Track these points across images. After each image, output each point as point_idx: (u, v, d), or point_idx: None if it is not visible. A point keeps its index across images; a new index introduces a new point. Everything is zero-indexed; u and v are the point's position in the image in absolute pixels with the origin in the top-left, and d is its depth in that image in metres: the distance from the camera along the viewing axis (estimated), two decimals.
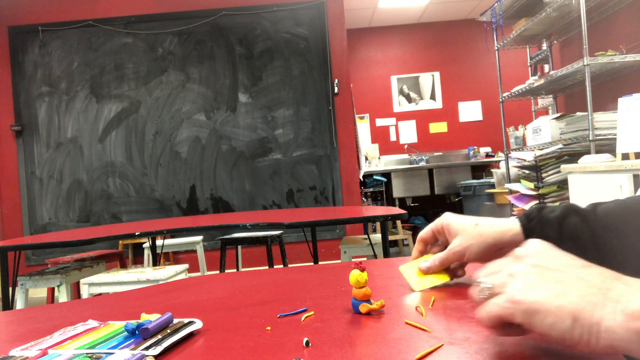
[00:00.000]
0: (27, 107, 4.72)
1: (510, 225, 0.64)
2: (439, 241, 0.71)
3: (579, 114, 3.19)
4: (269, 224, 2.24)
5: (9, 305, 2.60)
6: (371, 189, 6.20)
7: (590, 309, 0.36)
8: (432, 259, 0.67)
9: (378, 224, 3.48)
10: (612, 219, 0.60)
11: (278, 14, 4.75)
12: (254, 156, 4.74)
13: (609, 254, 0.58)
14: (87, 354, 0.50)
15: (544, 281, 0.39)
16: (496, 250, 0.63)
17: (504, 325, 0.41)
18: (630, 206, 0.61)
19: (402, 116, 6.89)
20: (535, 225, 0.63)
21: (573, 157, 3.09)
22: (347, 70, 4.81)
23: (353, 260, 0.62)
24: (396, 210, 2.33)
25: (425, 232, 0.71)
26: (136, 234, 2.36)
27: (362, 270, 0.58)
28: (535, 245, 0.44)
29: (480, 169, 6.28)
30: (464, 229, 0.65)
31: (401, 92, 6.91)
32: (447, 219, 0.68)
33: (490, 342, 0.47)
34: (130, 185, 4.71)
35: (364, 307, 0.58)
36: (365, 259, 3.14)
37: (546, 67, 4.41)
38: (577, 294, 0.37)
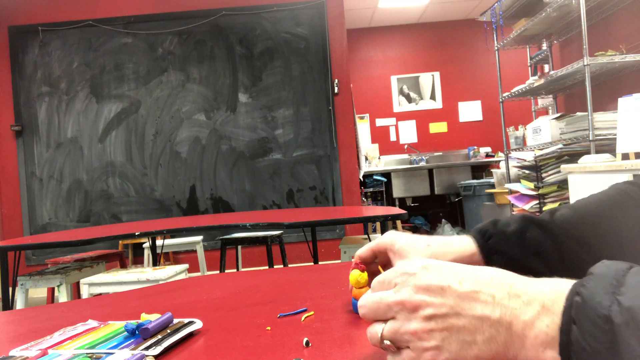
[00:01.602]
0: (27, 107, 4.72)
1: (466, 246, 0.58)
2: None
3: (579, 114, 3.19)
4: (269, 224, 2.24)
5: (9, 305, 2.60)
6: (371, 189, 6.20)
7: (502, 356, 0.36)
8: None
9: (378, 224, 3.48)
10: (573, 227, 0.57)
11: (278, 14, 4.75)
12: (254, 156, 4.73)
13: (577, 265, 0.54)
14: (87, 354, 0.50)
15: (450, 339, 0.37)
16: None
17: None
18: (583, 213, 0.58)
19: (402, 116, 6.89)
20: (494, 243, 0.57)
21: (573, 157, 3.09)
22: (347, 70, 4.81)
23: (352, 260, 0.60)
24: (396, 210, 2.33)
25: (363, 250, 0.63)
26: (136, 234, 2.36)
27: (363, 270, 0.58)
28: (415, 267, 0.40)
29: (480, 169, 6.28)
30: (414, 249, 0.58)
31: (401, 92, 6.90)
32: (392, 238, 0.61)
33: None
34: (130, 185, 4.71)
35: None
36: None
37: (546, 67, 4.41)
38: (483, 340, 0.36)
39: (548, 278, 0.36)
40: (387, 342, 0.40)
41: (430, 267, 0.40)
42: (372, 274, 0.57)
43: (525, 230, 0.57)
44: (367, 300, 0.42)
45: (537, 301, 0.35)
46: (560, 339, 0.33)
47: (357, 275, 0.58)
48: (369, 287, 0.51)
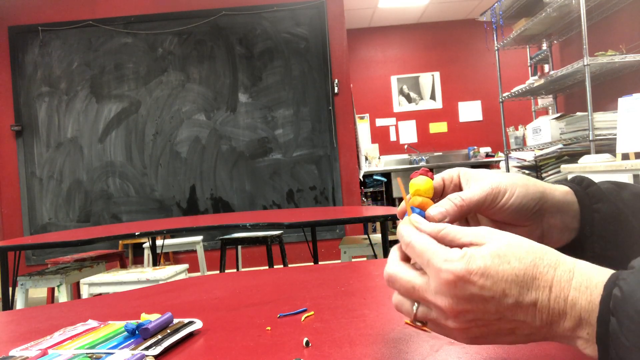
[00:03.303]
0: (27, 107, 4.72)
1: (559, 186, 0.49)
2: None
3: (579, 114, 3.19)
4: (269, 224, 2.24)
5: (9, 305, 2.60)
6: (371, 189, 6.19)
7: (543, 340, 0.37)
8: (448, 202, 0.45)
9: (378, 224, 3.48)
10: None
11: (278, 14, 4.75)
12: (254, 156, 4.73)
13: None
14: (87, 354, 0.50)
15: (488, 332, 0.38)
16: (536, 211, 0.47)
17: None
18: None
19: (402, 116, 6.89)
20: (595, 192, 0.49)
21: (573, 157, 3.09)
22: (347, 70, 4.80)
23: (417, 172, 0.48)
24: (396, 210, 2.32)
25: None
26: (136, 234, 2.36)
27: (431, 178, 0.48)
28: (459, 285, 0.37)
29: None
30: (496, 172, 0.48)
31: (401, 92, 6.90)
32: (463, 169, 0.50)
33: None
34: (130, 185, 4.71)
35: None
36: (365, 259, 3.14)
37: (546, 67, 4.41)
38: (523, 335, 0.37)
39: (584, 271, 0.36)
40: (419, 323, 0.40)
41: (472, 272, 0.36)
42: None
43: (620, 191, 0.50)
44: (399, 278, 0.40)
45: (575, 310, 0.35)
46: (598, 348, 0.34)
47: (423, 182, 0.47)
48: (433, 201, 0.46)
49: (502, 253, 0.37)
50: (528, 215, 0.47)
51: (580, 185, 0.50)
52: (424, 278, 0.39)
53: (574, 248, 0.49)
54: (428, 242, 0.39)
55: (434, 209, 0.45)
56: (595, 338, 0.34)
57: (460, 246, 0.39)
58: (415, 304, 0.40)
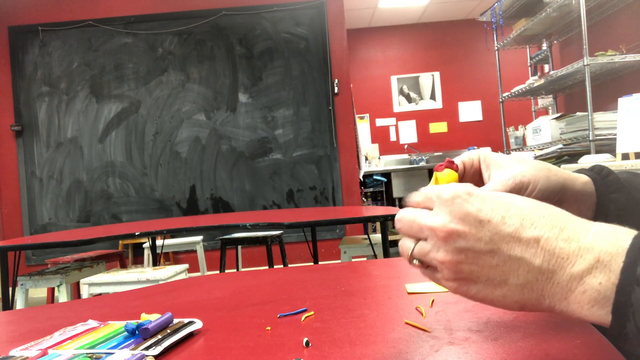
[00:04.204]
0: (27, 107, 4.72)
1: (579, 175, 0.49)
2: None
3: (579, 114, 3.19)
4: (269, 224, 2.24)
5: (9, 305, 2.60)
6: (371, 189, 6.19)
7: (535, 302, 0.33)
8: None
9: (378, 224, 3.48)
10: None
11: (278, 14, 4.75)
12: (254, 156, 4.73)
13: None
14: (87, 354, 0.50)
15: (479, 274, 0.35)
16: (559, 199, 0.46)
17: None
18: None
19: (402, 116, 6.89)
20: (614, 181, 0.48)
21: (573, 157, 3.09)
22: (347, 70, 4.81)
23: (442, 163, 0.47)
24: (396, 210, 2.33)
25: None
26: (136, 234, 2.36)
27: (456, 170, 0.47)
28: (458, 191, 0.36)
29: None
30: (520, 159, 0.47)
31: (401, 92, 6.90)
32: (485, 151, 0.49)
33: (490, 342, 0.47)
34: (130, 185, 4.71)
35: None
36: (365, 259, 3.14)
37: (546, 67, 4.41)
38: (517, 284, 0.33)
39: (606, 224, 0.33)
40: (416, 261, 0.39)
41: (473, 194, 0.35)
42: None
43: (636, 180, 0.49)
44: (404, 216, 0.40)
45: (591, 253, 0.31)
46: (615, 298, 0.29)
47: (446, 176, 0.46)
48: None
49: (510, 191, 0.36)
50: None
51: (600, 174, 0.49)
52: (427, 211, 0.38)
53: None
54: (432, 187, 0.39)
55: None
56: (614, 300, 0.29)
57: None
58: (414, 242, 0.39)
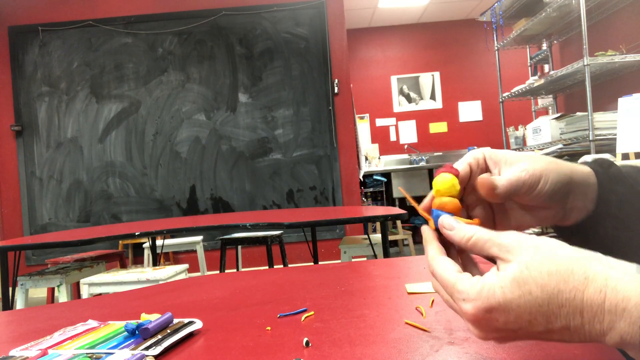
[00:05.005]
0: (27, 107, 4.72)
1: (582, 167, 0.49)
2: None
3: (579, 114, 3.19)
4: (269, 224, 2.24)
5: (9, 305, 2.60)
6: (371, 189, 6.19)
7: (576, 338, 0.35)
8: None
9: (378, 224, 3.48)
10: None
11: (278, 14, 4.75)
12: (254, 156, 4.73)
13: None
14: (87, 354, 0.50)
15: (515, 339, 0.37)
16: (566, 191, 0.46)
17: None
18: None
19: (402, 116, 6.89)
20: (616, 173, 0.48)
21: (573, 157, 3.09)
22: (347, 70, 4.81)
23: (440, 170, 0.46)
24: (396, 210, 2.33)
25: (457, 166, 0.47)
26: (136, 234, 2.36)
27: (456, 175, 0.45)
28: (482, 323, 0.37)
29: None
30: (525, 155, 0.46)
31: (401, 92, 6.90)
32: (488, 149, 0.48)
33: (490, 342, 0.47)
34: (130, 185, 4.71)
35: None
36: (365, 259, 3.14)
37: (546, 67, 4.41)
38: (558, 332, 0.35)
39: (620, 282, 0.33)
40: None
41: (492, 309, 0.36)
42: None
43: (638, 174, 0.49)
44: (439, 286, 0.41)
45: (617, 330, 0.33)
46: None
47: (451, 180, 0.44)
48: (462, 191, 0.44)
49: (523, 279, 0.35)
50: (557, 199, 0.46)
51: (602, 166, 0.49)
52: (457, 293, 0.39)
53: (583, 227, 0.48)
54: (446, 271, 0.39)
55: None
56: None
57: (488, 256, 0.39)
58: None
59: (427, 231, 0.44)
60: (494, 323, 0.36)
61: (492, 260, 0.39)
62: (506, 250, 0.37)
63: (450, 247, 0.44)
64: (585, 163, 0.50)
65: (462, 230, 0.40)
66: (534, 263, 0.35)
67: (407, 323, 0.54)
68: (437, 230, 0.43)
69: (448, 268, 0.40)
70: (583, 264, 0.34)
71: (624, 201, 0.47)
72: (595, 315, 0.33)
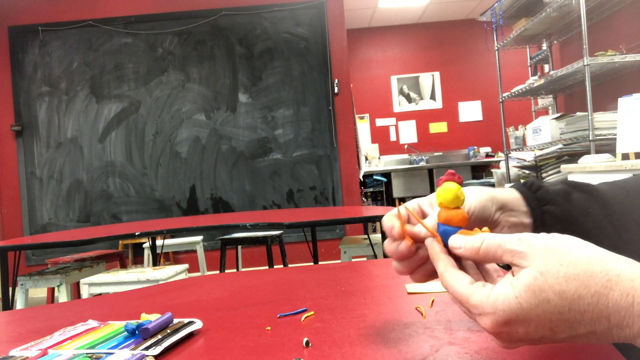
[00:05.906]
0: (27, 107, 4.72)
1: (505, 189, 0.52)
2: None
3: (579, 114, 3.19)
4: (269, 224, 2.24)
5: (9, 305, 2.60)
6: (371, 189, 6.20)
7: (596, 339, 0.34)
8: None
9: (378, 224, 3.48)
10: (618, 196, 0.52)
11: (278, 14, 4.75)
12: (254, 156, 4.73)
13: (627, 229, 0.50)
14: (87, 354, 0.50)
15: (542, 343, 0.37)
16: (497, 209, 0.49)
17: None
18: (629, 187, 0.55)
19: (402, 116, 6.89)
20: (544, 195, 0.50)
21: (573, 157, 3.09)
22: (347, 70, 4.81)
23: (444, 177, 0.46)
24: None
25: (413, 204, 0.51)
26: (136, 234, 2.36)
27: (460, 182, 0.46)
28: (502, 336, 0.37)
29: (480, 169, 6.28)
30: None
31: (401, 92, 6.90)
32: (420, 199, 0.51)
33: (490, 342, 0.47)
34: (130, 185, 4.71)
35: (464, 234, 0.42)
36: (365, 259, 3.14)
37: (546, 67, 4.40)
38: (585, 339, 0.35)
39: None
40: None
41: (511, 322, 0.35)
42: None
43: (570, 192, 0.51)
44: (457, 305, 0.40)
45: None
46: None
47: (454, 190, 0.43)
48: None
49: (539, 287, 0.33)
50: (491, 219, 0.48)
51: (530, 189, 0.52)
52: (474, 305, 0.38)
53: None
54: (457, 286, 0.38)
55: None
56: None
57: (504, 264, 0.38)
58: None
59: (433, 246, 0.43)
60: (514, 335, 0.35)
61: (508, 266, 0.38)
62: (518, 256, 0.36)
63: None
64: (514, 186, 0.53)
65: (470, 243, 0.39)
66: (549, 268, 0.34)
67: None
68: (446, 245, 0.42)
69: (459, 282, 0.38)
70: (603, 266, 0.33)
71: (558, 220, 0.49)
72: (623, 319, 0.32)
